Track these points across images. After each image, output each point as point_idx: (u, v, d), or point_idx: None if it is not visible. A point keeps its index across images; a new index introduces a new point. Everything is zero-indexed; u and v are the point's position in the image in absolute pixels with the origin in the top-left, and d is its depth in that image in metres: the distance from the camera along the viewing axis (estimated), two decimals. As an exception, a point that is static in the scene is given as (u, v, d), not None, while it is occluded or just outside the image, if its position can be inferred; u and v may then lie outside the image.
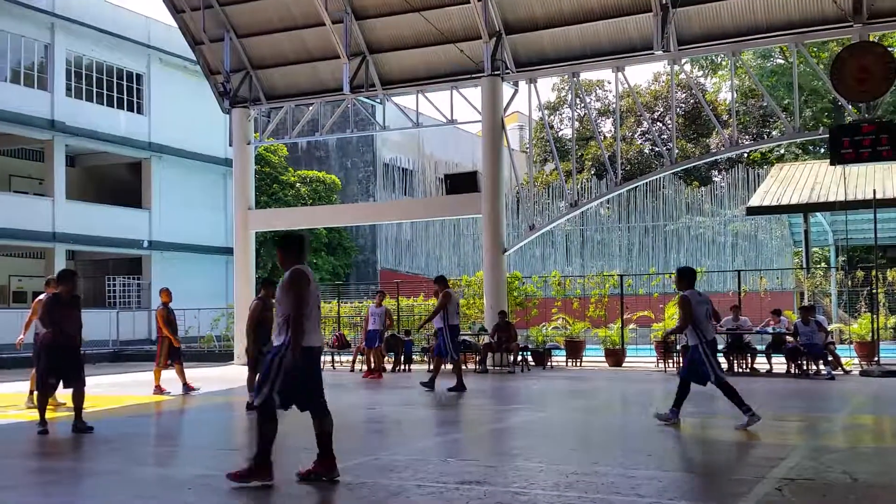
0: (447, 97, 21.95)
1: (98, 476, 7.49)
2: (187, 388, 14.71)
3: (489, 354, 19.39)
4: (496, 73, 20.71)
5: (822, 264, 37.13)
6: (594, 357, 20.88)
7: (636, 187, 35.76)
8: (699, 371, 9.76)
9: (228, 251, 27.66)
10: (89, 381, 10.31)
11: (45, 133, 29.20)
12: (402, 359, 19.74)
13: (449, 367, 15.09)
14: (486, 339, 19.74)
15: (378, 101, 23.23)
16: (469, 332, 20.84)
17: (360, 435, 10.25)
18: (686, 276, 10.01)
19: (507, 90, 21.39)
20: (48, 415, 10.25)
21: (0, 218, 23.39)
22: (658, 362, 19.30)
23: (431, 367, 15.88)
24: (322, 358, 7.27)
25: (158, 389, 14.69)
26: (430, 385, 14.66)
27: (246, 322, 11.72)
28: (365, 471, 7.30)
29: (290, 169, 37.35)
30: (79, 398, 9.93)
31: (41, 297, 12.46)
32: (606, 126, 47.43)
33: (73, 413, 10.03)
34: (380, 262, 39.74)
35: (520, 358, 19.47)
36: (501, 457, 8.34)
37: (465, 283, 23.37)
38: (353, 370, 19.54)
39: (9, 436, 10.44)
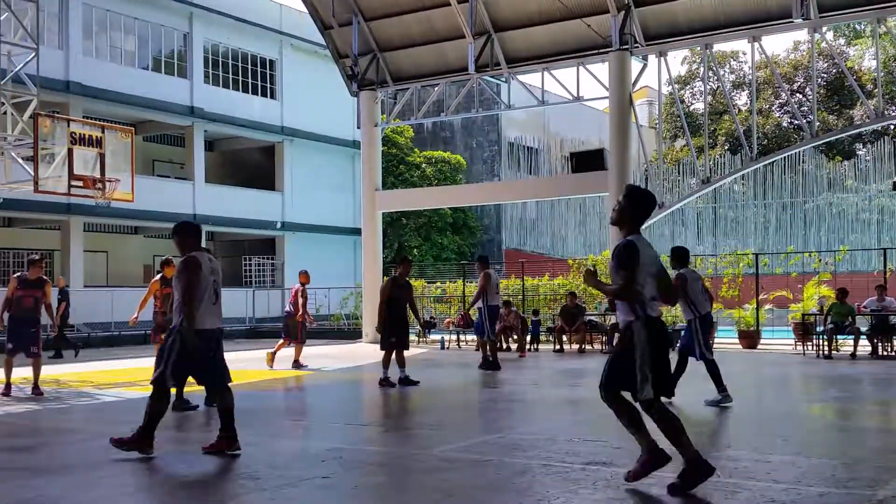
0: (573, 74, 21.63)
1: (235, 447, 7.79)
2: (298, 365, 15.42)
3: (616, 334, 19.08)
4: (624, 47, 20.23)
5: (979, 242, 34.67)
6: (727, 339, 20.23)
7: (773, 162, 34.35)
8: (688, 345, 9.91)
9: (357, 231, 28.24)
10: (229, 356, 10.71)
11: (185, 119, 30.54)
12: (530, 339, 19.71)
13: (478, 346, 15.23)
14: (612, 318, 19.45)
15: (503, 79, 23.10)
16: (595, 312, 20.59)
17: (485, 413, 10.29)
18: (683, 256, 10.05)
19: (635, 64, 20.86)
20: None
21: (145, 201, 24.57)
22: (796, 344, 18.51)
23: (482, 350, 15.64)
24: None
25: (297, 364, 15.27)
26: (492, 367, 14.56)
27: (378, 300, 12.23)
28: (490, 449, 7.30)
29: (416, 150, 37.75)
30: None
31: (156, 277, 13.08)
32: (741, 99, 45.73)
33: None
34: (504, 241, 39.71)
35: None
36: (629, 439, 8.16)
37: (591, 263, 23.06)
38: (478, 349, 19.63)
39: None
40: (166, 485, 6.11)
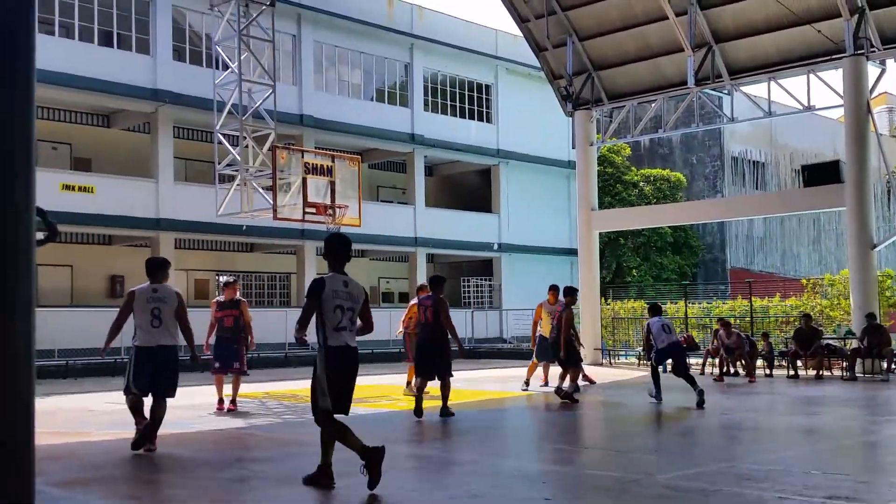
0: (802, 82, 20.44)
1: (458, 465, 7.93)
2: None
3: (858, 360, 17.70)
4: (860, 52, 18.88)
5: None
6: None
7: None
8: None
9: (573, 252, 28.07)
10: (472, 375, 11.05)
11: (406, 146, 31.78)
12: (763, 363, 18.71)
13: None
14: (853, 343, 18.05)
15: (725, 91, 22.20)
16: (833, 336, 19.22)
17: (714, 441, 9.84)
18: (655, 309, 13.49)
19: (872, 70, 19.41)
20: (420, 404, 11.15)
21: (370, 226, 25.66)
22: None
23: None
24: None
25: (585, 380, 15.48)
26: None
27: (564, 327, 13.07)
28: (721, 478, 6.95)
29: (633, 168, 37.08)
30: (446, 388, 11.14)
31: (413, 301, 13.95)
32: None
33: (439, 401, 11.19)
34: (729, 260, 38.06)
35: (894, 364, 17.52)
36: (875, 472, 7.53)
37: (827, 283, 21.65)
38: (702, 373, 18.85)
39: (389, 423, 11.44)
40: (394, 497, 6.29)
